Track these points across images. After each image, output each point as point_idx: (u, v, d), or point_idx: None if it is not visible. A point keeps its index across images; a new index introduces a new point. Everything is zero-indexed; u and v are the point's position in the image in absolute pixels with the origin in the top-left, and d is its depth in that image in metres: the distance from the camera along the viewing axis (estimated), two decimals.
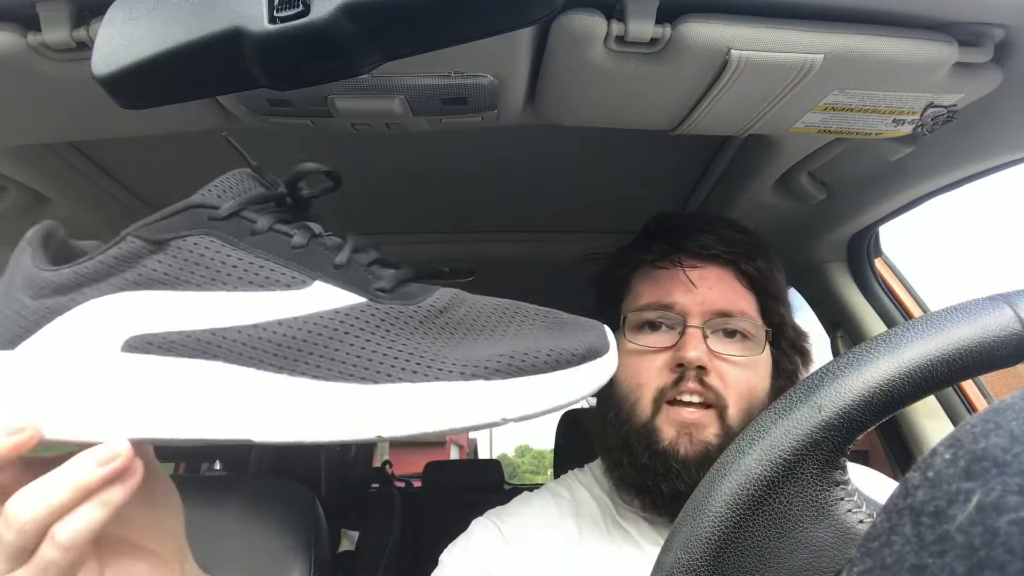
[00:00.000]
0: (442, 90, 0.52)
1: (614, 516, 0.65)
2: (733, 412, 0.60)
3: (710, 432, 0.59)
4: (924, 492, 0.17)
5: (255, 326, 0.31)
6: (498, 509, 0.68)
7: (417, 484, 2.72)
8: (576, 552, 0.62)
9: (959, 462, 0.17)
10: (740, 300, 0.64)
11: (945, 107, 0.56)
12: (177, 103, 0.37)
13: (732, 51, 0.47)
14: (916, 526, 0.16)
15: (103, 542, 0.33)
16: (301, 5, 0.32)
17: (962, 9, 0.48)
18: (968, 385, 0.91)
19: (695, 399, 0.60)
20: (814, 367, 0.63)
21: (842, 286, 1.00)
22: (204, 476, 1.90)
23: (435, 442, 10.82)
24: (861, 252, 0.98)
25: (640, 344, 0.63)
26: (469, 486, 2.49)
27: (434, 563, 0.63)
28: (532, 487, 0.82)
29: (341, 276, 0.33)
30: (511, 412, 0.30)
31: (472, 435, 13.47)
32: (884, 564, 0.17)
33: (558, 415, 1.77)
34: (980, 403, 0.89)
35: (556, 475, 1.32)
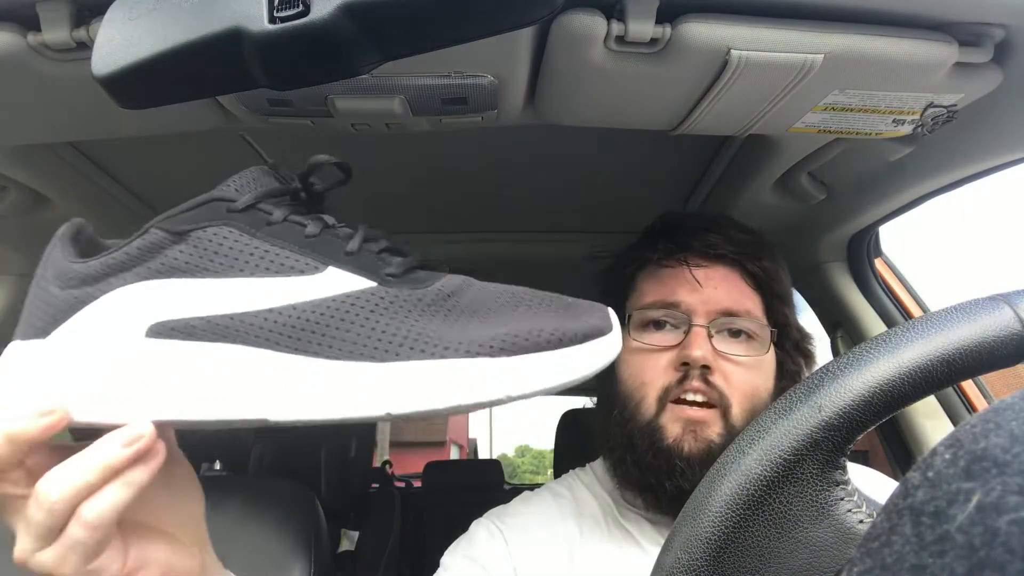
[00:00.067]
0: (442, 90, 0.52)
1: (615, 516, 0.65)
2: (737, 412, 0.60)
3: (713, 431, 0.59)
4: (924, 492, 0.17)
5: (271, 310, 0.32)
6: (498, 509, 0.68)
7: (417, 484, 2.72)
8: (577, 552, 0.62)
9: (959, 462, 0.17)
10: (745, 300, 0.64)
11: (945, 107, 0.56)
12: (177, 103, 0.38)
13: (732, 51, 0.47)
14: (916, 526, 0.16)
15: (127, 526, 0.34)
16: (301, 5, 0.32)
17: (962, 9, 0.48)
18: (968, 385, 0.91)
19: (699, 398, 0.60)
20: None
21: (842, 286, 1.00)
22: (204, 476, 1.90)
23: (435, 442, 10.82)
24: (861, 252, 0.98)
25: (645, 343, 0.63)
26: (469, 486, 2.49)
27: (434, 563, 0.63)
28: (532, 487, 0.82)
29: (353, 262, 0.34)
30: (515, 389, 0.31)
31: (472, 435, 13.48)
32: (884, 564, 0.17)
33: (558, 415, 1.77)
34: (980, 403, 0.89)
35: (556, 475, 1.32)
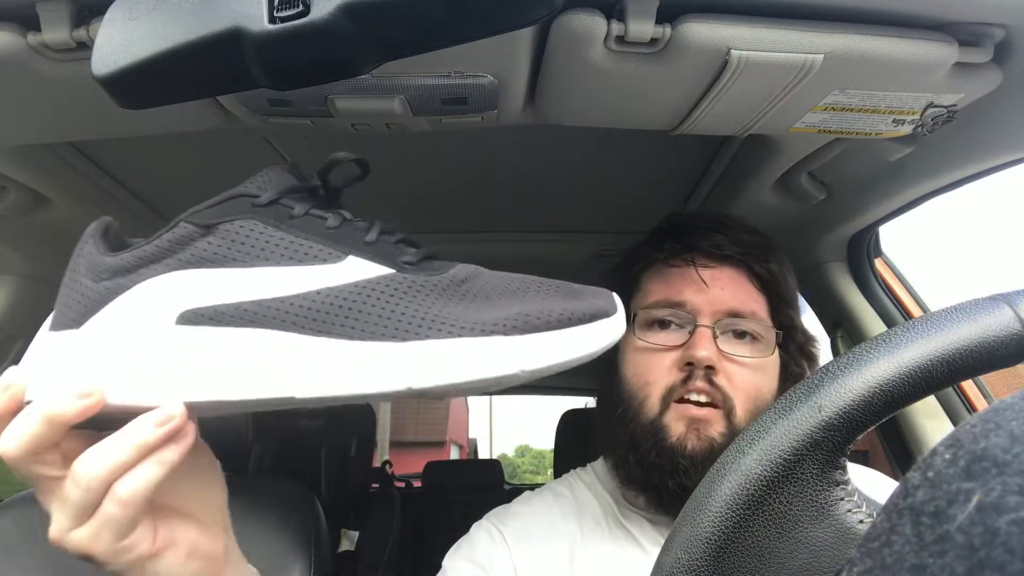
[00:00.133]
0: (442, 90, 0.52)
1: (616, 516, 0.65)
2: (740, 413, 0.60)
3: (716, 430, 0.59)
4: (924, 492, 0.17)
5: (296, 296, 0.34)
6: (499, 510, 0.68)
7: (417, 484, 2.72)
8: (578, 553, 0.62)
9: (959, 462, 0.17)
10: (751, 302, 0.64)
11: (945, 107, 0.56)
12: (177, 103, 0.38)
13: (732, 51, 0.47)
14: (916, 526, 0.16)
15: (155, 509, 0.36)
16: (301, 5, 0.32)
17: (962, 9, 0.48)
18: (968, 385, 0.91)
19: (703, 398, 0.60)
20: None
21: (842, 286, 1.00)
22: None
23: (435, 442, 10.82)
24: (861, 252, 0.98)
25: (649, 342, 0.63)
26: (469, 486, 2.49)
27: (434, 563, 0.63)
28: (532, 487, 0.82)
29: (371, 251, 0.36)
30: (528, 364, 0.33)
31: (472, 435, 13.48)
32: (884, 564, 0.17)
33: (558, 415, 1.77)
34: (980, 403, 0.89)
35: (556, 475, 1.32)
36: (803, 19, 0.48)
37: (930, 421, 0.91)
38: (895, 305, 0.98)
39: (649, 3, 0.46)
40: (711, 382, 0.60)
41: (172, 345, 0.34)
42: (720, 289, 0.63)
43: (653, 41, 0.48)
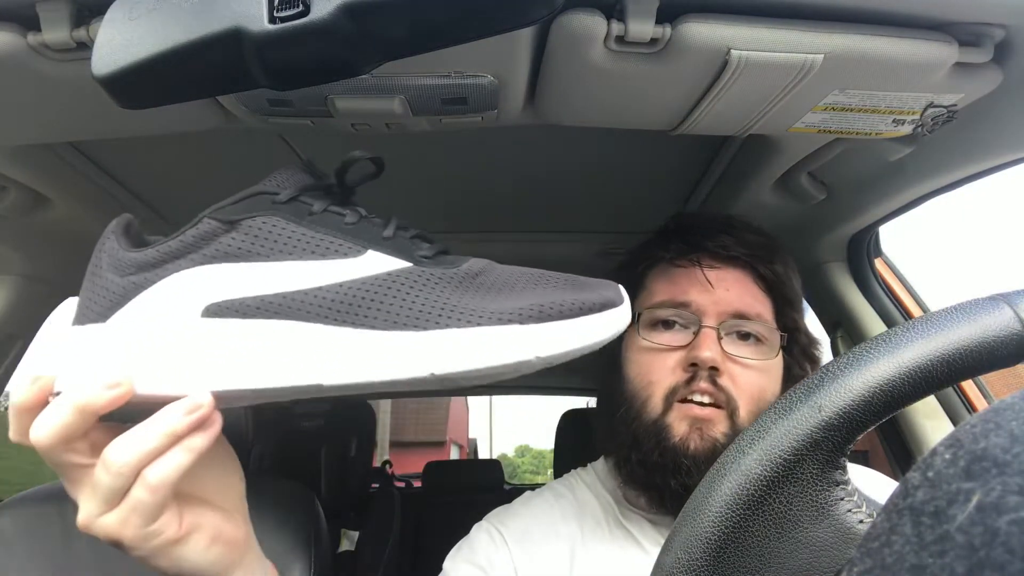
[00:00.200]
0: (442, 90, 0.52)
1: (617, 516, 0.65)
2: (743, 414, 0.60)
3: (719, 430, 0.59)
4: (924, 492, 0.17)
5: (319, 288, 0.36)
6: (499, 511, 0.68)
7: (417, 484, 2.72)
8: (579, 554, 0.62)
9: (959, 462, 0.17)
10: (756, 303, 0.63)
11: (945, 107, 0.56)
12: (177, 103, 0.38)
13: (732, 51, 0.47)
14: (916, 526, 0.16)
15: (180, 497, 0.37)
16: (301, 5, 0.32)
17: (962, 9, 0.48)
18: (968, 385, 0.91)
19: (706, 399, 0.60)
20: None
21: (842, 286, 1.00)
22: None
23: (435, 442, 10.82)
24: (861, 252, 0.98)
25: (653, 342, 0.63)
26: (469, 486, 2.49)
27: (434, 563, 0.63)
28: (532, 487, 0.82)
29: (389, 246, 0.38)
30: (543, 351, 0.34)
31: (472, 435, 13.48)
32: (884, 564, 0.17)
33: (558, 415, 1.77)
34: (980, 403, 0.89)
35: (556, 475, 1.32)
36: (803, 19, 0.47)
37: (930, 421, 0.91)
38: (895, 305, 0.98)
39: (649, 3, 0.46)
40: (715, 383, 0.60)
41: (198, 337, 0.35)
42: (725, 290, 0.63)
43: (653, 41, 0.48)
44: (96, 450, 0.34)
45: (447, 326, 0.35)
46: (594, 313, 0.36)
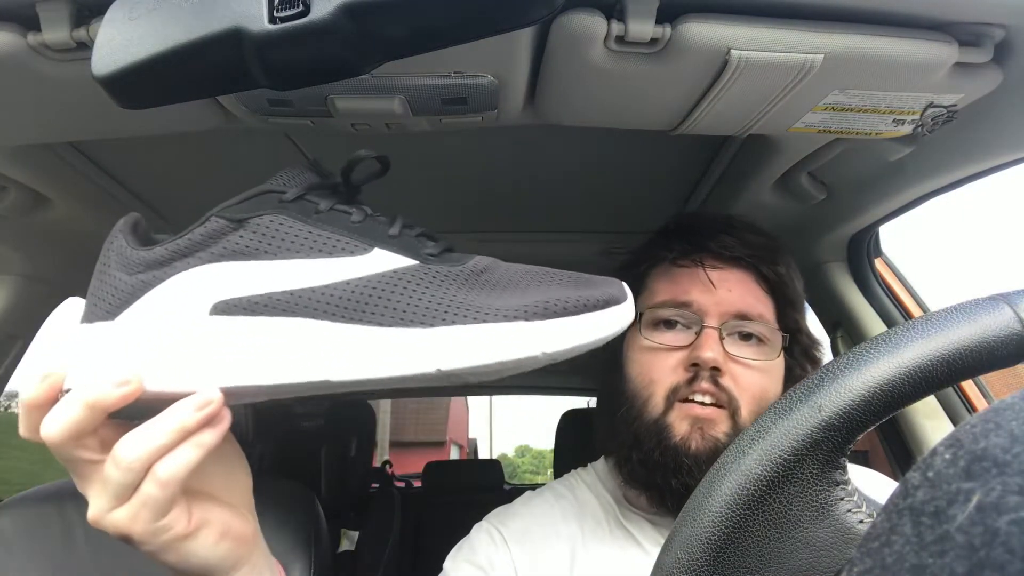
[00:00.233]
0: (442, 90, 0.52)
1: (617, 517, 0.65)
2: (745, 415, 0.59)
3: (721, 430, 0.59)
4: (924, 492, 0.17)
5: (326, 286, 0.36)
6: (499, 511, 0.68)
7: (417, 484, 2.72)
8: (579, 554, 0.62)
9: (959, 462, 0.17)
10: (759, 304, 0.63)
11: (945, 107, 0.56)
12: (177, 103, 0.38)
13: (732, 51, 0.47)
14: (916, 526, 0.16)
15: (189, 493, 0.37)
16: (301, 5, 0.32)
17: (962, 9, 0.48)
18: (968, 385, 0.91)
19: (707, 400, 0.59)
20: None
21: (842, 286, 1.00)
22: None
23: (435, 442, 10.82)
24: (861, 252, 0.98)
25: (655, 341, 0.63)
26: (469, 486, 2.49)
27: (434, 563, 0.63)
28: (532, 487, 0.82)
29: (396, 244, 0.38)
30: (549, 347, 0.35)
31: (472, 435, 13.47)
32: (884, 564, 0.17)
33: (558, 415, 1.77)
34: (980, 403, 0.89)
35: (556, 475, 1.32)
36: (803, 19, 0.47)
37: (930, 421, 0.91)
38: (895, 305, 0.98)
39: (649, 3, 0.46)
40: (716, 383, 0.60)
41: (207, 334, 0.36)
42: (728, 291, 0.62)
43: (653, 41, 0.48)
44: (106, 446, 0.35)
45: (453, 323, 0.35)
46: (598, 310, 0.36)
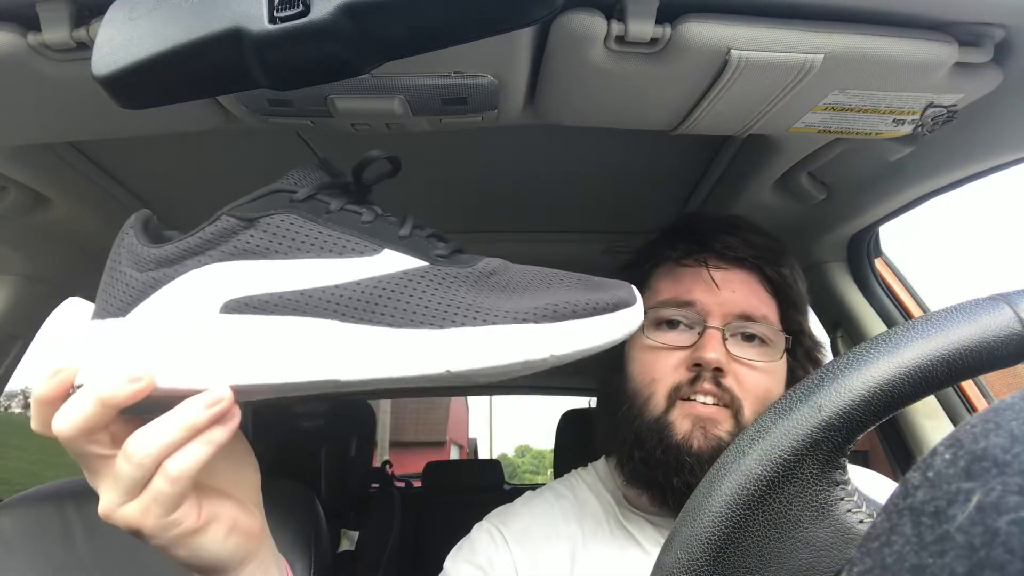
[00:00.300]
0: (442, 90, 0.52)
1: (618, 517, 0.65)
2: (748, 414, 0.59)
3: (723, 429, 0.59)
4: (924, 492, 0.17)
5: (336, 286, 0.36)
6: (500, 511, 0.68)
7: (417, 484, 2.72)
8: (580, 555, 0.62)
9: (959, 462, 0.17)
10: (762, 305, 0.63)
11: (945, 107, 0.56)
12: (177, 103, 0.38)
13: (732, 51, 0.47)
14: (916, 526, 0.16)
15: (199, 488, 0.37)
16: (301, 5, 0.32)
17: (962, 9, 0.48)
18: (968, 385, 0.91)
19: (709, 400, 0.59)
20: None
21: (842, 286, 1.00)
22: None
23: (435, 442, 10.82)
24: (861, 252, 0.98)
25: (658, 341, 0.62)
26: (469, 486, 2.49)
27: (434, 563, 0.63)
28: (532, 487, 0.82)
29: (406, 245, 0.38)
30: (558, 350, 0.35)
31: (472, 435, 13.48)
32: (884, 564, 0.17)
33: (558, 415, 1.77)
34: (980, 403, 0.89)
35: (556, 475, 1.31)
36: (803, 19, 0.47)
37: (930, 421, 0.91)
38: (895, 305, 0.98)
39: (649, 3, 0.46)
40: (718, 384, 0.59)
41: (218, 332, 0.36)
42: (731, 291, 0.62)
43: (653, 41, 0.48)
44: (117, 441, 0.35)
45: (463, 324, 0.35)
46: (607, 313, 0.36)
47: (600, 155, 0.85)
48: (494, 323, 0.35)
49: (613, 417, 0.65)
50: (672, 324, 0.63)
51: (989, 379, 0.85)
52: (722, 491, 0.28)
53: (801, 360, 0.66)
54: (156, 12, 0.34)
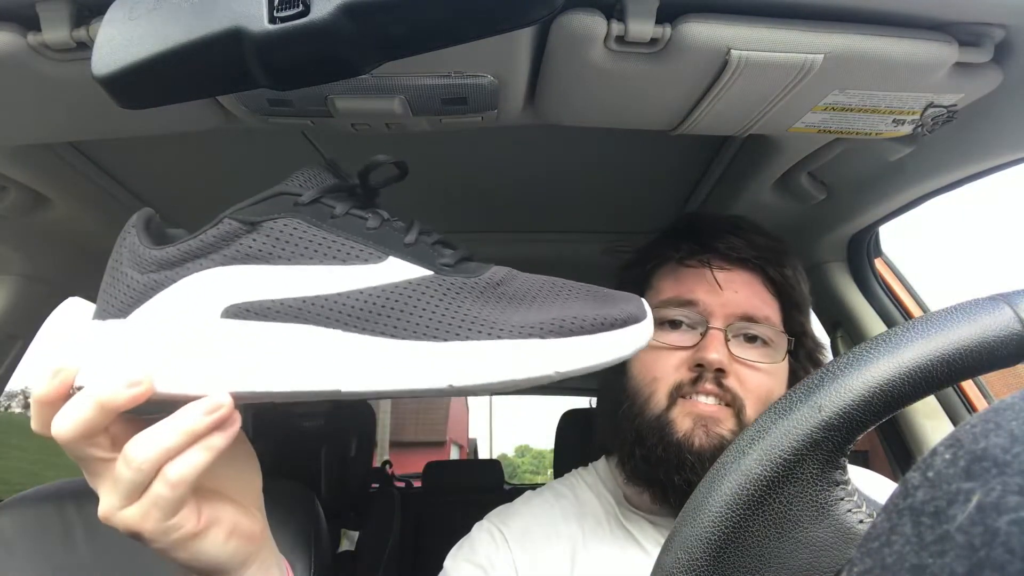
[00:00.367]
0: (442, 90, 0.52)
1: (618, 517, 0.65)
2: (750, 414, 0.59)
3: (725, 427, 0.59)
4: (924, 492, 0.17)
5: (340, 294, 0.36)
6: (500, 510, 0.68)
7: (417, 484, 2.72)
8: (580, 554, 0.62)
9: (959, 462, 0.17)
10: (765, 306, 0.63)
11: (945, 107, 0.56)
12: (177, 103, 0.38)
13: (732, 51, 0.47)
14: (916, 526, 0.16)
15: (199, 492, 0.37)
16: (301, 5, 0.32)
17: (962, 9, 0.48)
18: (968, 385, 0.91)
19: (711, 400, 0.59)
20: None
21: (842, 286, 1.00)
22: None
23: (435, 442, 10.82)
24: (861, 252, 0.98)
25: (660, 341, 0.62)
26: (469, 486, 2.49)
27: (434, 563, 0.63)
28: (532, 487, 0.82)
29: (411, 253, 0.37)
30: (563, 367, 0.34)
31: (472, 435, 13.48)
32: (884, 564, 0.17)
33: (558, 415, 1.77)
34: (980, 403, 0.89)
35: (556, 475, 1.31)
36: (803, 19, 0.47)
37: (930, 421, 0.91)
38: (895, 305, 0.98)
39: (649, 3, 0.46)
40: (720, 384, 0.59)
41: (218, 337, 0.36)
42: (734, 292, 0.62)
43: (653, 41, 0.48)
44: (117, 444, 0.35)
45: (467, 338, 0.35)
46: (616, 328, 0.36)
47: (600, 155, 0.85)
48: (499, 337, 0.34)
49: (614, 416, 0.65)
50: (674, 324, 0.63)
51: (989, 379, 0.85)
52: (722, 491, 0.28)
53: (803, 361, 0.66)
54: (156, 12, 0.34)
